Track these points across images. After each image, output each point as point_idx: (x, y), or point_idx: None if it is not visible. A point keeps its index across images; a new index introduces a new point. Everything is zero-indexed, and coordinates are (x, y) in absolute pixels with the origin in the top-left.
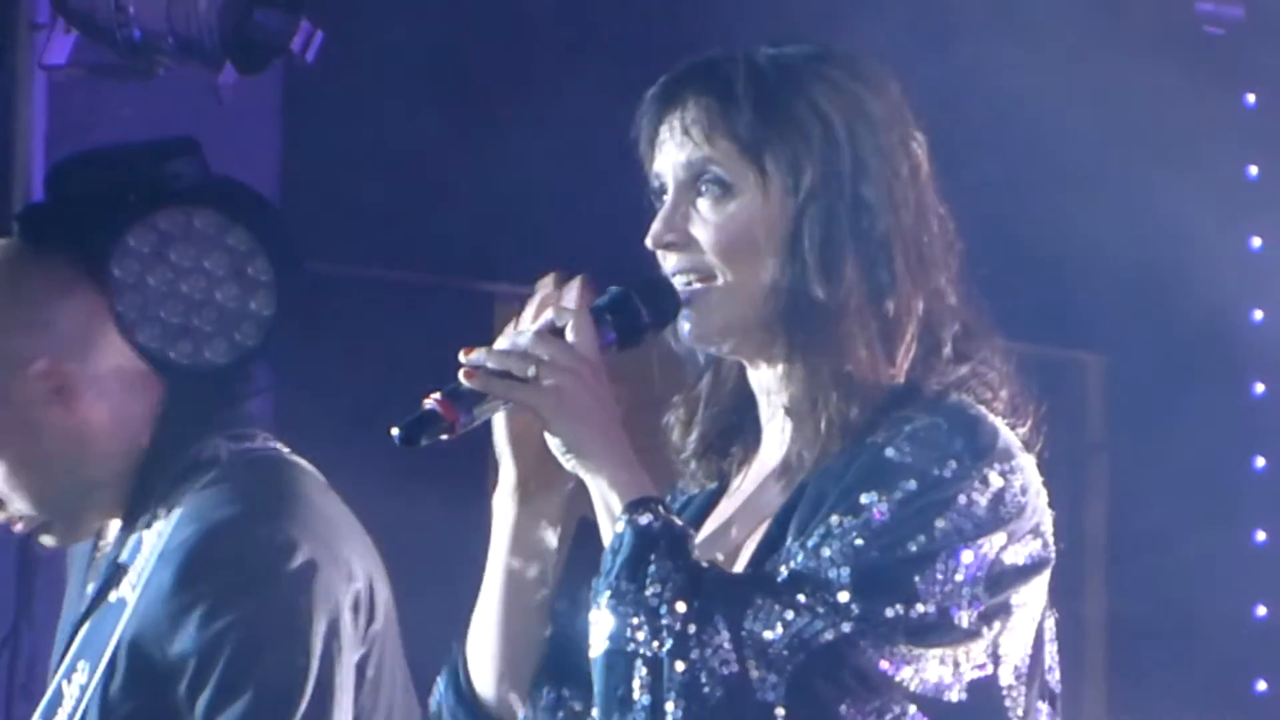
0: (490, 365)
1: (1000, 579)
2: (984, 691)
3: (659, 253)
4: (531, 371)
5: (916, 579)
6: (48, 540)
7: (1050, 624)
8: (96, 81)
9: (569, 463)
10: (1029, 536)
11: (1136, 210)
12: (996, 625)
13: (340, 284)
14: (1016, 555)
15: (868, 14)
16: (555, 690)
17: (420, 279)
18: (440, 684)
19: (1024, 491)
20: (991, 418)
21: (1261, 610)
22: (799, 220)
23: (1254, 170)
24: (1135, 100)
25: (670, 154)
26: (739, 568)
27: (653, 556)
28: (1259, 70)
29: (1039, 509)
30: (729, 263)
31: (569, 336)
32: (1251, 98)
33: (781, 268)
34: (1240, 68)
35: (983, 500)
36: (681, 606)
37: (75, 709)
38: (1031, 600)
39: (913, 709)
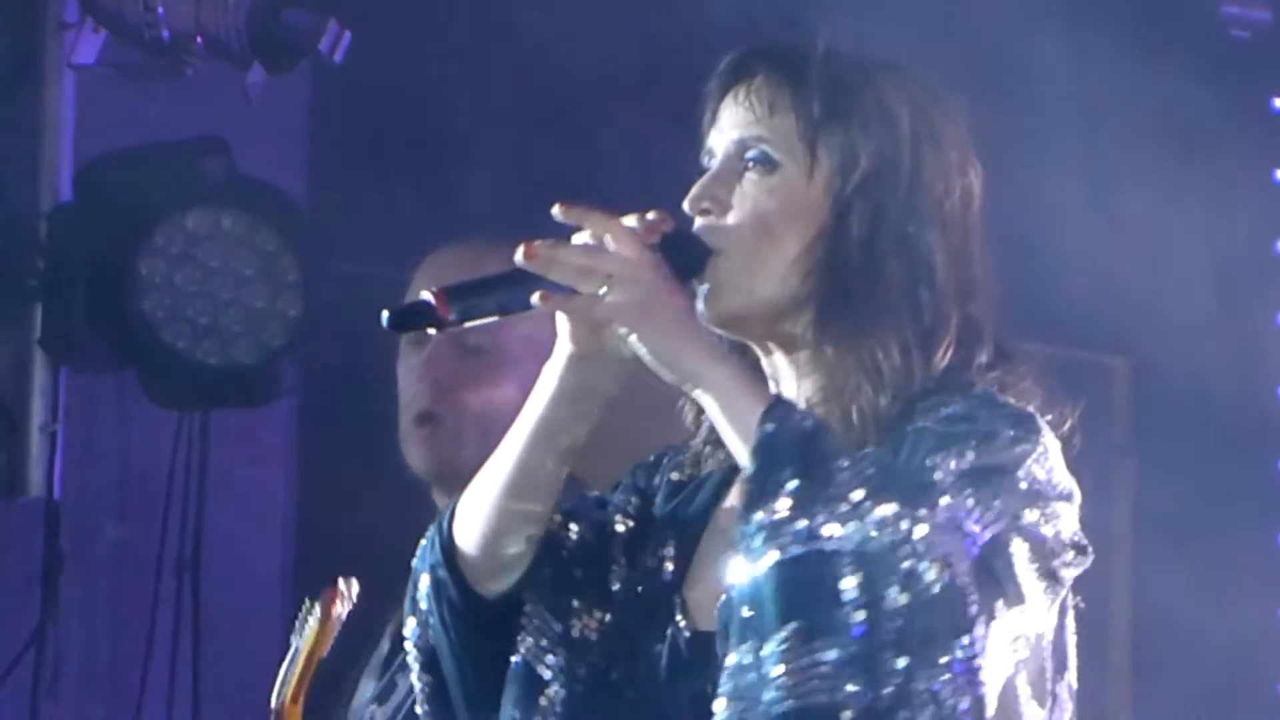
0: (562, 260)
1: (1053, 552)
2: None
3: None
4: (603, 289)
5: None
6: None
7: (1071, 619)
8: (125, 81)
9: (663, 373)
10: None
11: (1162, 213)
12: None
13: (367, 283)
14: (1067, 528)
15: (890, 11)
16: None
17: None
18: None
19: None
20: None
21: None
22: (846, 210)
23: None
24: (1161, 103)
25: (725, 127)
26: None
27: (816, 457)
28: None
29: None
30: (757, 237)
31: (629, 250)
32: (1278, 101)
33: (820, 252)
34: (1267, 71)
35: (1040, 473)
36: (890, 506)
37: (404, 702)
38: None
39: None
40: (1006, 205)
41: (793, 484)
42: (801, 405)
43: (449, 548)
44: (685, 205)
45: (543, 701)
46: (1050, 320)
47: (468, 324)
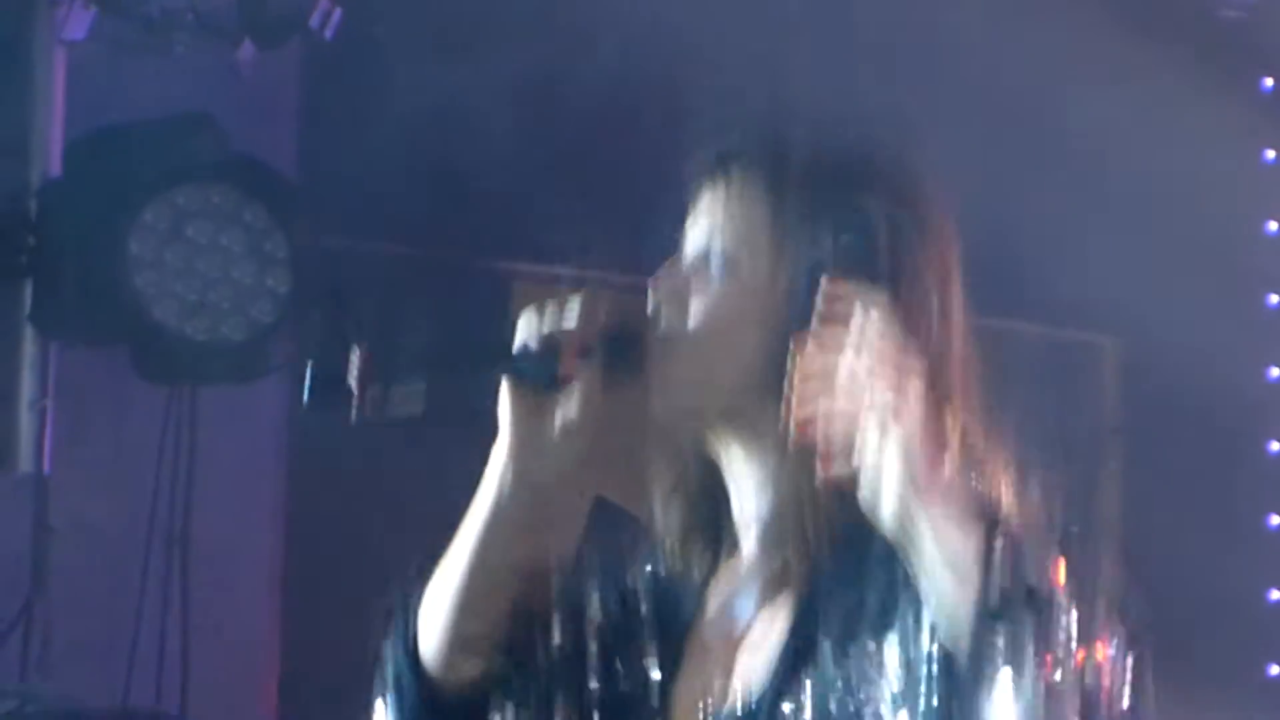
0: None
1: None
2: None
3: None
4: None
5: None
6: None
7: None
8: (115, 57)
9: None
10: None
11: (1154, 194)
12: None
13: (357, 260)
14: None
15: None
16: None
17: (437, 256)
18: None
19: None
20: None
21: (1275, 595)
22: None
23: (1271, 154)
24: (1152, 84)
25: (700, 217)
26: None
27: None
28: (1277, 54)
29: None
30: (712, 341)
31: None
32: (1269, 81)
33: (773, 352)
34: (1258, 51)
35: None
36: None
37: None
38: None
39: None
40: (999, 188)
41: None
42: (739, 509)
43: (412, 645)
44: (649, 287)
45: None
46: (1042, 300)
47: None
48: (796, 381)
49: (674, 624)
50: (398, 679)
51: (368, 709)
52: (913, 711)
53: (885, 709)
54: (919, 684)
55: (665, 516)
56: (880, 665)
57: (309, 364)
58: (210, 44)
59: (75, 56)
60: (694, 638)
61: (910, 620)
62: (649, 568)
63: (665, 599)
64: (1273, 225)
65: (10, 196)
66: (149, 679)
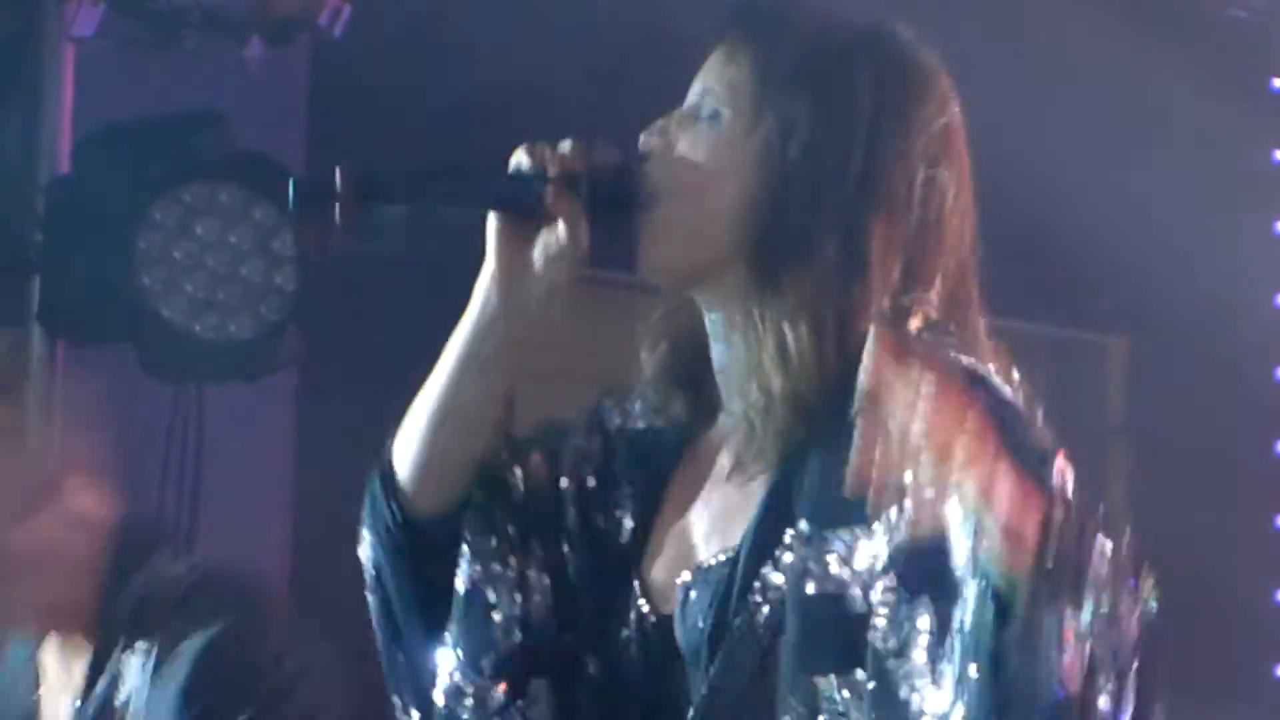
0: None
1: None
2: None
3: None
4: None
5: None
6: None
7: None
8: (124, 53)
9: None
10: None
11: (1160, 194)
12: None
13: (365, 258)
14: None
15: None
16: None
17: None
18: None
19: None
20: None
21: None
22: (784, 179)
23: (1279, 155)
24: (1161, 83)
25: (701, 74)
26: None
27: None
28: None
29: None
30: (689, 188)
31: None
32: (1278, 82)
33: (754, 217)
34: (1267, 51)
35: None
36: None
37: None
38: None
39: None
40: (1004, 187)
41: None
42: (720, 369)
43: (387, 471)
44: (640, 139)
45: (496, 620)
46: (1047, 300)
47: (373, 206)
48: (860, 449)
49: (652, 473)
50: (373, 505)
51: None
52: (893, 621)
53: (857, 603)
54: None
55: (648, 365)
56: (853, 560)
57: (290, 180)
58: (219, 41)
59: (84, 53)
60: (672, 489)
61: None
62: (628, 416)
63: (643, 447)
64: None
65: (18, 193)
66: None
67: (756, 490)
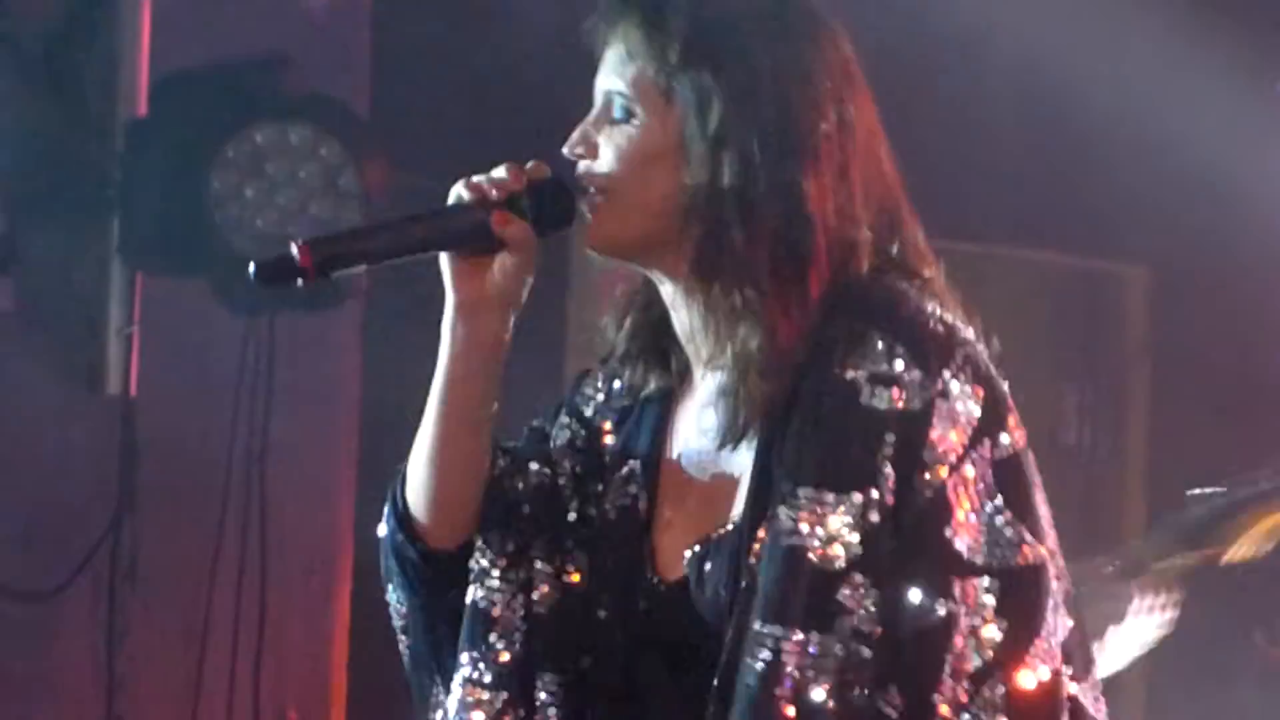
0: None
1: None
2: None
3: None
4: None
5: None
6: None
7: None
8: (199, 1)
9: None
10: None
11: (1180, 131)
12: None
13: (426, 193)
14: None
15: None
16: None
17: None
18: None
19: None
20: (925, 304)
21: None
22: (709, 152)
23: None
24: (1181, 21)
25: (601, 73)
26: (736, 512)
27: None
28: None
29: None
30: (623, 180)
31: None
32: None
33: (689, 193)
34: None
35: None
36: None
37: None
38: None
39: None
40: (1033, 124)
41: None
42: (684, 337)
43: (403, 514)
44: (564, 150)
45: (492, 637)
46: (1072, 231)
47: (334, 274)
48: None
49: (647, 444)
50: (396, 549)
51: None
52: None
53: (829, 555)
54: (874, 545)
55: (619, 343)
56: (824, 515)
57: (250, 263)
58: None
59: (160, 2)
60: (665, 459)
61: (857, 482)
62: (610, 396)
63: (633, 422)
64: None
65: (99, 135)
66: (230, 588)
67: (747, 455)
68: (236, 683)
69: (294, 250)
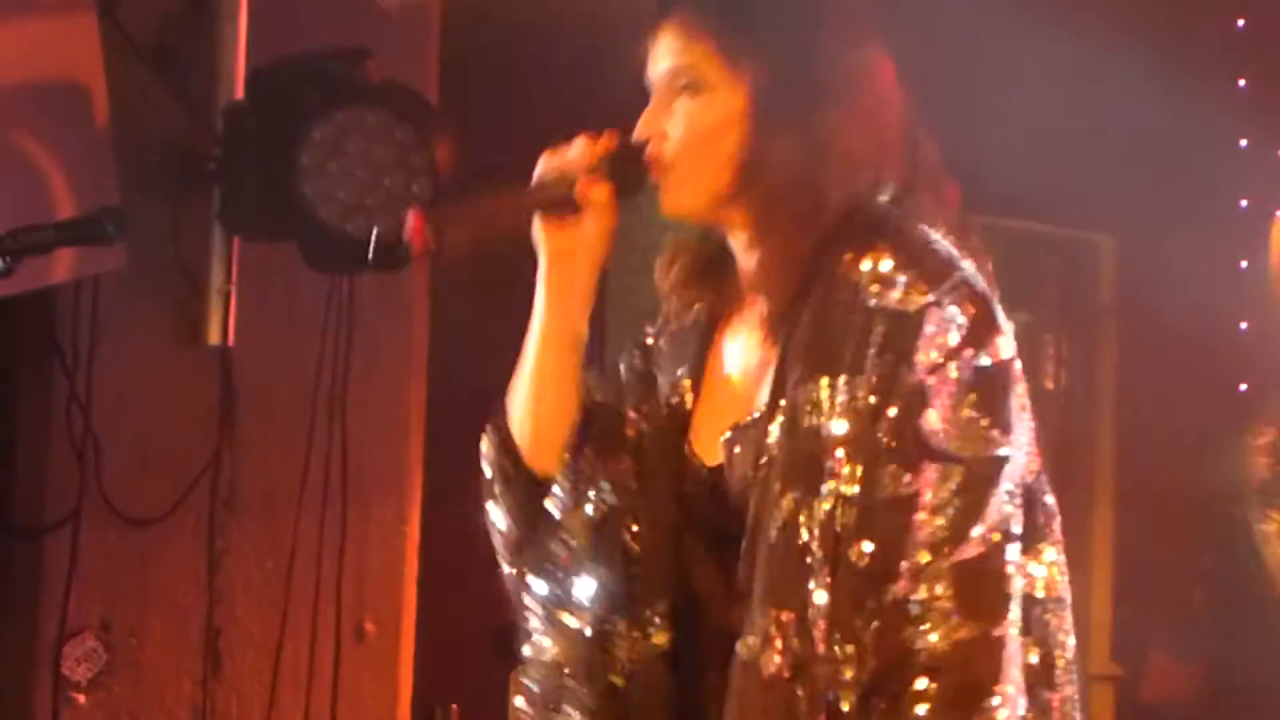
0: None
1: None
2: None
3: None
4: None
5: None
6: None
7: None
8: (290, 0)
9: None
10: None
11: (1148, 121)
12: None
13: (490, 170)
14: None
15: None
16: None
17: None
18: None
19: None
20: (931, 235)
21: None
22: (759, 109)
23: (1242, 82)
24: (1139, 20)
25: (658, 60)
26: (760, 400)
27: None
28: None
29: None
30: (696, 149)
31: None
32: (1242, 22)
33: (750, 149)
34: None
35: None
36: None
37: None
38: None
39: None
40: (1013, 99)
41: None
42: (751, 275)
43: (507, 439)
44: (634, 137)
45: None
46: (1049, 202)
47: (443, 240)
48: None
49: (694, 352)
50: (501, 468)
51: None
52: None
53: (824, 430)
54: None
55: (670, 279)
56: (818, 397)
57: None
58: None
59: (256, 0)
60: (710, 364)
61: (851, 374)
62: (666, 324)
63: (681, 339)
64: (1243, 141)
65: (202, 116)
66: (314, 516)
67: (773, 352)
68: (320, 598)
69: (409, 218)
